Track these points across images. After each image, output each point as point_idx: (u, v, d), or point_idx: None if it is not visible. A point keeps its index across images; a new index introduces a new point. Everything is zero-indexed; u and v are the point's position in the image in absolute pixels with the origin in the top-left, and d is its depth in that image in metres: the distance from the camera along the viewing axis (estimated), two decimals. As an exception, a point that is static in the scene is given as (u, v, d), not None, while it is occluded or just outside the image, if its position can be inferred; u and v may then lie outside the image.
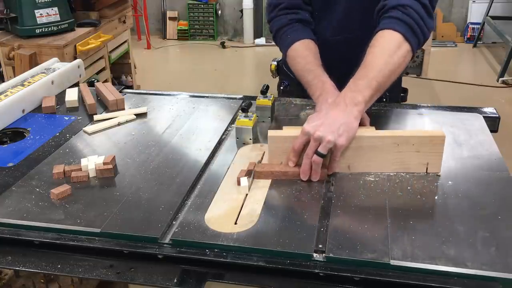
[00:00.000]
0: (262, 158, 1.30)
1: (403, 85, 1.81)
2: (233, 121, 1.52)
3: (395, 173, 1.22)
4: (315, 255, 0.96)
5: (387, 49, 1.31)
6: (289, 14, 1.56)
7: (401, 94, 1.79)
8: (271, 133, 1.25)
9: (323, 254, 0.95)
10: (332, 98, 1.33)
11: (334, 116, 1.21)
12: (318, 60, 1.49)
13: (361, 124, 1.27)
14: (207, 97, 1.73)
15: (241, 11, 6.57)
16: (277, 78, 1.89)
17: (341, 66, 1.42)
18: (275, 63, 1.84)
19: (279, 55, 1.84)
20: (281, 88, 1.81)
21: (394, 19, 1.34)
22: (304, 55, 1.50)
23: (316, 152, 1.17)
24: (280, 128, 1.34)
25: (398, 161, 1.22)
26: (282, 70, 1.81)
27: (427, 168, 1.22)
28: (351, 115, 1.21)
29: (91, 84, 1.82)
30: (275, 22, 1.59)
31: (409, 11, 1.34)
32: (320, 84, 1.41)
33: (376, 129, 1.29)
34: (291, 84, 1.78)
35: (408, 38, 1.32)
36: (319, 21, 1.59)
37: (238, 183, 1.17)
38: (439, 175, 1.21)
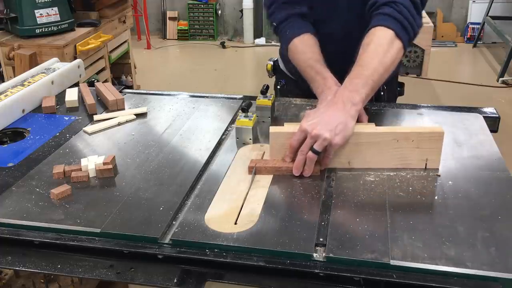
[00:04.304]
0: (262, 158, 1.30)
1: (403, 83, 1.83)
2: (233, 121, 1.52)
3: (395, 173, 1.22)
4: (315, 254, 0.96)
5: (380, 47, 1.32)
6: (287, 8, 1.55)
7: (398, 88, 1.80)
8: (273, 129, 1.27)
9: (324, 248, 0.96)
10: (331, 96, 1.34)
11: (332, 114, 1.22)
12: (318, 54, 1.49)
13: (359, 120, 1.29)
14: (207, 97, 1.73)
15: (241, 11, 6.56)
16: (274, 78, 1.87)
17: (343, 60, 1.43)
18: (271, 62, 1.82)
19: (276, 55, 1.83)
20: (278, 87, 1.80)
21: (385, 15, 1.36)
22: (304, 50, 1.50)
23: (312, 149, 1.19)
24: None
25: (398, 157, 1.23)
26: (279, 69, 1.81)
27: (426, 164, 1.23)
28: (348, 115, 1.22)
29: (91, 84, 1.81)
30: (275, 16, 1.58)
31: (400, 8, 1.36)
32: (322, 81, 1.43)
33: (376, 126, 1.30)
34: (288, 83, 1.77)
35: (399, 35, 1.35)
36: (326, 13, 1.57)
37: (250, 172, 1.22)
38: (439, 175, 1.21)
